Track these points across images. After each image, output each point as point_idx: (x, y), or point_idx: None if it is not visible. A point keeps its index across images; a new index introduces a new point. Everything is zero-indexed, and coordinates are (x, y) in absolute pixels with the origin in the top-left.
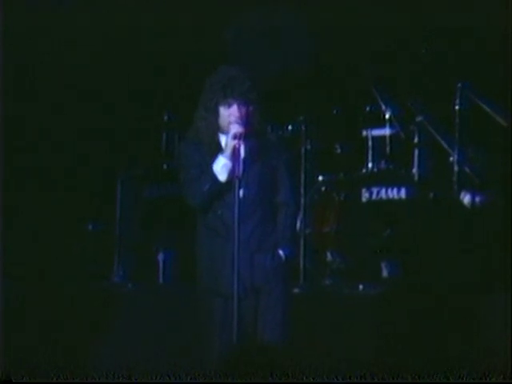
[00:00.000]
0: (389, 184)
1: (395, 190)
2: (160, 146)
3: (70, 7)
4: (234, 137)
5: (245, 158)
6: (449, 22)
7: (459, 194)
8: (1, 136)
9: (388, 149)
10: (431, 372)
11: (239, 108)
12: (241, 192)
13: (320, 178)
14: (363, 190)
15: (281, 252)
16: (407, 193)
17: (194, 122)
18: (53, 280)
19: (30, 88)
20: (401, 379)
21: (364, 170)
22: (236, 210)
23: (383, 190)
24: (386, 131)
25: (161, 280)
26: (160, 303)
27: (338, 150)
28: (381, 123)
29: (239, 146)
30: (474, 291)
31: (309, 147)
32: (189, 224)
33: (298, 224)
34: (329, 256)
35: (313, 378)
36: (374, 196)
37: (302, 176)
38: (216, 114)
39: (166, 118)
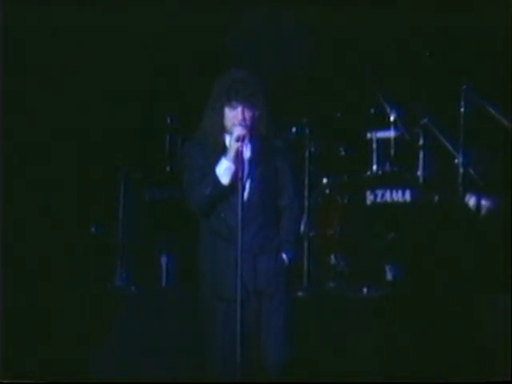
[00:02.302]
0: (393, 186)
1: (400, 193)
2: (163, 149)
3: (72, 7)
4: (237, 139)
5: (248, 161)
6: (453, 24)
7: (464, 196)
8: (2, 137)
9: (393, 151)
10: (433, 372)
11: (243, 111)
12: (245, 195)
13: (324, 180)
14: (368, 193)
15: (284, 255)
16: (412, 195)
17: (202, 121)
18: (56, 283)
19: (31, 89)
20: (403, 380)
21: (368, 173)
22: (239, 213)
23: (388, 193)
24: (391, 133)
25: (164, 283)
26: (163, 306)
27: (342, 153)
28: (385, 125)
29: (242, 148)
30: (477, 294)
31: (313, 150)
32: (192, 227)
33: (302, 227)
34: (333, 259)
35: (316, 380)
36: (378, 198)
37: (306, 178)
38: (221, 114)
39: (168, 120)
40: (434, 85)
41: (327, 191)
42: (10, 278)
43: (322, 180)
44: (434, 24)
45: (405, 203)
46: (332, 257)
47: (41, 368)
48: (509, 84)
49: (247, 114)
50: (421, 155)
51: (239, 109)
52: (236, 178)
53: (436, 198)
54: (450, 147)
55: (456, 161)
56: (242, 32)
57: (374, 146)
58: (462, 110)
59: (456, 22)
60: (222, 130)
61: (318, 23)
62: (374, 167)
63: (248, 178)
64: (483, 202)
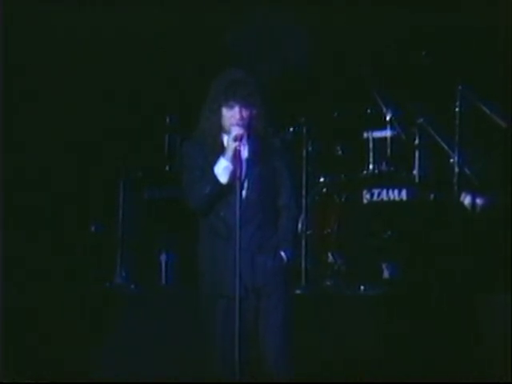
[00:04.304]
0: (390, 185)
1: (396, 192)
2: (162, 148)
3: (72, 8)
4: (235, 139)
5: (246, 160)
6: (449, 24)
7: (460, 195)
8: (2, 137)
9: (389, 150)
10: (431, 372)
11: (241, 111)
12: (243, 194)
13: (321, 179)
14: (364, 192)
15: (282, 253)
16: (408, 194)
17: (200, 122)
18: (55, 281)
19: (31, 89)
20: (401, 379)
21: (365, 172)
22: (238, 212)
23: (384, 192)
24: (387, 133)
25: (163, 281)
26: (162, 304)
27: (339, 152)
28: (382, 125)
29: (240, 148)
30: (474, 292)
31: (310, 149)
32: (191, 225)
33: (300, 226)
34: (330, 257)
35: (314, 379)
36: (375, 197)
37: (304, 178)
38: (219, 115)
39: (168, 120)
40: (429, 85)
41: (324, 190)
42: (10, 278)
43: (319, 179)
44: (431, 24)
45: (401, 202)
46: (329, 255)
47: (41, 368)
48: (508, 84)
49: (245, 114)
50: (417, 155)
51: (237, 108)
52: (234, 177)
53: (432, 196)
54: (446, 146)
55: (451, 160)
56: (241, 32)
57: (371, 145)
58: (458, 109)
59: (453, 21)
60: (220, 130)
61: (316, 23)
62: (371, 166)
63: (246, 177)
64: (478, 201)
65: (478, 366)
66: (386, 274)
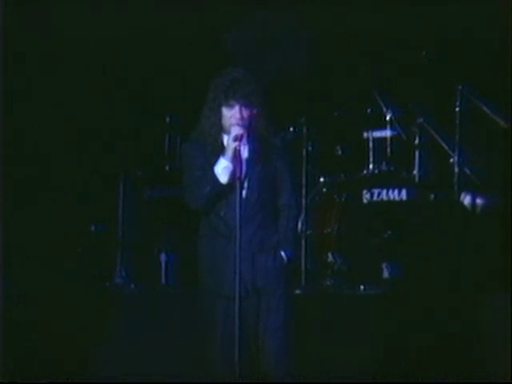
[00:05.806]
0: (390, 185)
1: (396, 192)
2: (162, 148)
3: (71, 7)
4: (235, 139)
5: (246, 160)
6: (449, 24)
7: (460, 195)
8: (2, 137)
9: (389, 150)
10: (432, 372)
11: (241, 110)
12: (243, 193)
13: (321, 179)
14: (364, 192)
15: (282, 253)
16: (408, 194)
17: (200, 121)
18: (55, 281)
19: (31, 88)
20: (401, 379)
21: (365, 172)
22: (238, 212)
23: (384, 192)
24: (387, 133)
25: (163, 281)
26: (162, 304)
27: (339, 152)
28: (382, 125)
29: (240, 147)
30: (474, 292)
31: (310, 149)
32: (191, 225)
33: (300, 225)
34: (330, 257)
35: (314, 379)
36: (375, 197)
37: (304, 177)
38: (219, 114)
39: (168, 119)
40: (429, 85)
41: (324, 190)
42: (9, 277)
43: (319, 179)
44: (431, 24)
45: (401, 202)
46: (329, 255)
47: (41, 367)
48: (508, 84)
49: (245, 113)
50: (417, 154)
51: (237, 108)
52: (234, 177)
53: (432, 196)
54: (446, 146)
55: (452, 160)
56: (241, 31)
57: (371, 145)
58: (458, 109)
59: (453, 21)
60: (220, 129)
61: (315, 23)
62: (371, 166)
63: (246, 176)
64: (478, 201)
65: (478, 366)
66: (385, 274)
